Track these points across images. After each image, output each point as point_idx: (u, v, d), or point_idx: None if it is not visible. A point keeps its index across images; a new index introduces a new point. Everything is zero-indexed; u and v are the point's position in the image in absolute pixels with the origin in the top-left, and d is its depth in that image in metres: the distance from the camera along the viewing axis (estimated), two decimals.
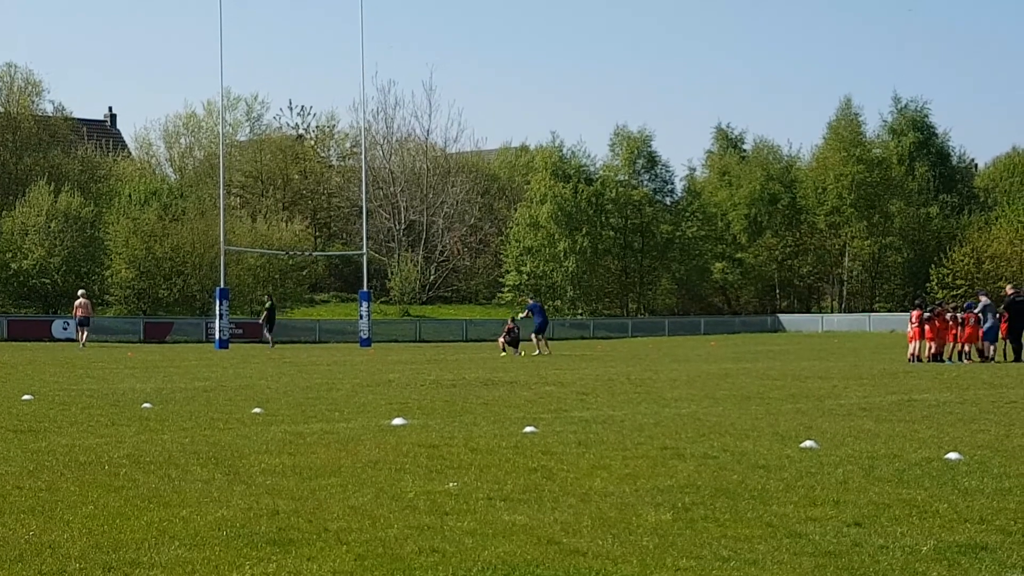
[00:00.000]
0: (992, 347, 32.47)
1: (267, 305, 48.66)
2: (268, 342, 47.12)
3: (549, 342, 40.63)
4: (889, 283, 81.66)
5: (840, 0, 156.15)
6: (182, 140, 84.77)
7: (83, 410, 16.52)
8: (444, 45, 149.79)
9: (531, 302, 43.10)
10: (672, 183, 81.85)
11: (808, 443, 12.49)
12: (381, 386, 22.17)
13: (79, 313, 44.34)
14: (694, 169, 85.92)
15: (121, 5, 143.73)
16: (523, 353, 38.36)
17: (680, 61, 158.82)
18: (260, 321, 49.06)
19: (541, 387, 21.99)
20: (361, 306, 51.59)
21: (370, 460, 11.29)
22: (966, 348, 32.77)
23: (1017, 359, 31.85)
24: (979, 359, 32.34)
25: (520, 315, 42.73)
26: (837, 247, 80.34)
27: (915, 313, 33.52)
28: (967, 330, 32.61)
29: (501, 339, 39.94)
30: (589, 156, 79.34)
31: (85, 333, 43.98)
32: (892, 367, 29.60)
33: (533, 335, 39.64)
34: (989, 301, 33.18)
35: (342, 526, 8.09)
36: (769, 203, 79.89)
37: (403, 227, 76.47)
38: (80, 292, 46.21)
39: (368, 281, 54.36)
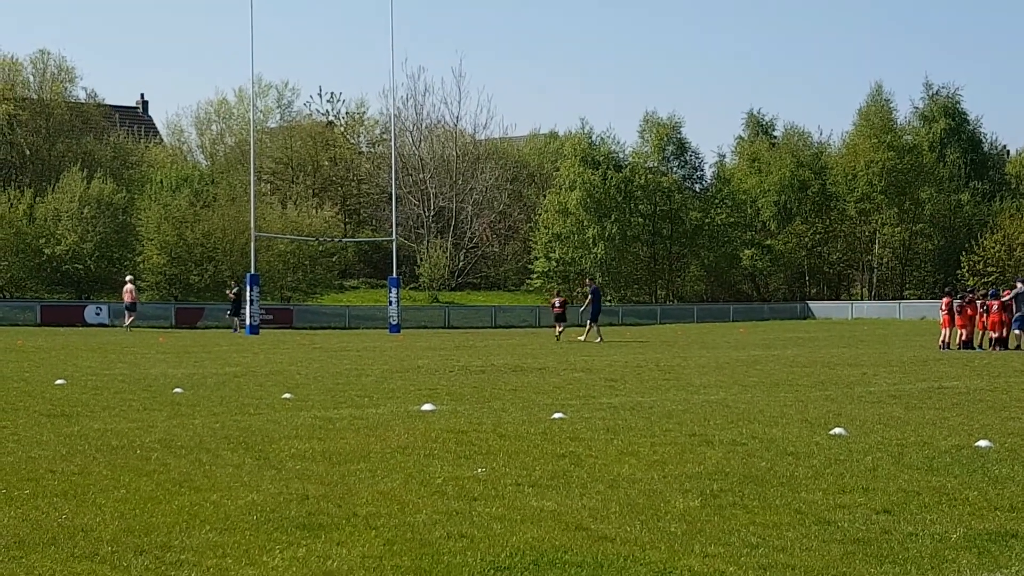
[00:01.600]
0: (1021, 334, 32.16)
1: (235, 291, 48.79)
2: (234, 328, 47.61)
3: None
4: (919, 270, 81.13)
5: None
6: (213, 127, 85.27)
7: (115, 395, 16.66)
8: (474, 31, 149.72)
9: (592, 285, 40.68)
10: (702, 169, 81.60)
11: (837, 430, 12.47)
12: (410, 372, 22.24)
13: (126, 298, 45.50)
14: (724, 155, 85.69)
15: None
16: (560, 336, 38.47)
17: (711, 47, 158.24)
18: (230, 309, 49.22)
19: (570, 373, 22.00)
20: (390, 292, 51.85)
21: (399, 445, 11.34)
22: (993, 335, 32.51)
23: None
24: (1000, 348, 31.98)
25: (583, 307, 40.43)
26: (867, 234, 79.85)
27: (945, 300, 33.30)
28: (991, 317, 32.37)
29: (558, 327, 39.74)
30: (618, 142, 79.13)
31: (131, 317, 45.03)
32: (922, 354, 29.45)
33: (588, 321, 39.10)
34: None
35: (371, 511, 8.14)
36: (799, 190, 79.39)
37: (432, 213, 76.50)
38: (128, 278, 46.95)
39: (397, 267, 54.48)
